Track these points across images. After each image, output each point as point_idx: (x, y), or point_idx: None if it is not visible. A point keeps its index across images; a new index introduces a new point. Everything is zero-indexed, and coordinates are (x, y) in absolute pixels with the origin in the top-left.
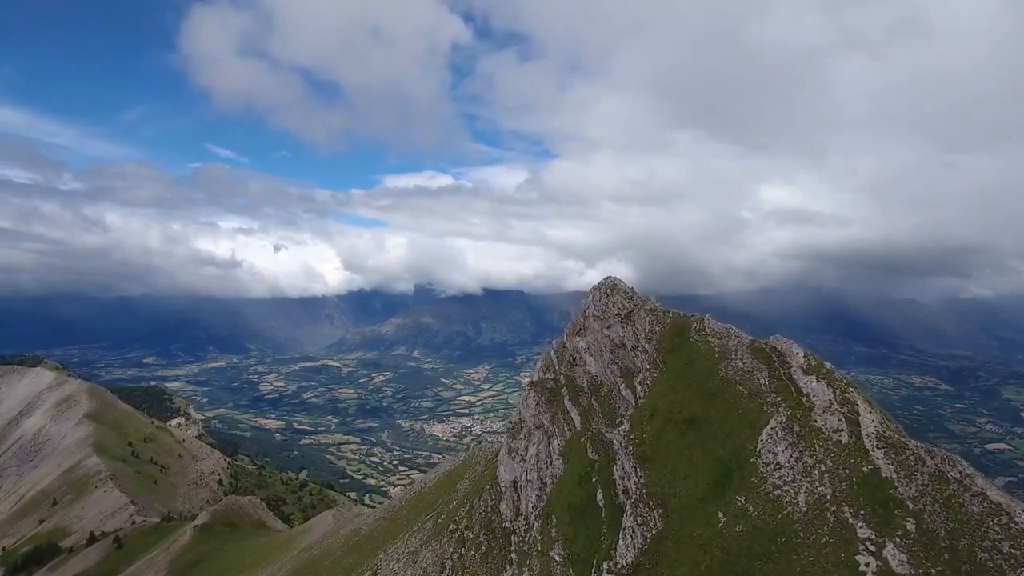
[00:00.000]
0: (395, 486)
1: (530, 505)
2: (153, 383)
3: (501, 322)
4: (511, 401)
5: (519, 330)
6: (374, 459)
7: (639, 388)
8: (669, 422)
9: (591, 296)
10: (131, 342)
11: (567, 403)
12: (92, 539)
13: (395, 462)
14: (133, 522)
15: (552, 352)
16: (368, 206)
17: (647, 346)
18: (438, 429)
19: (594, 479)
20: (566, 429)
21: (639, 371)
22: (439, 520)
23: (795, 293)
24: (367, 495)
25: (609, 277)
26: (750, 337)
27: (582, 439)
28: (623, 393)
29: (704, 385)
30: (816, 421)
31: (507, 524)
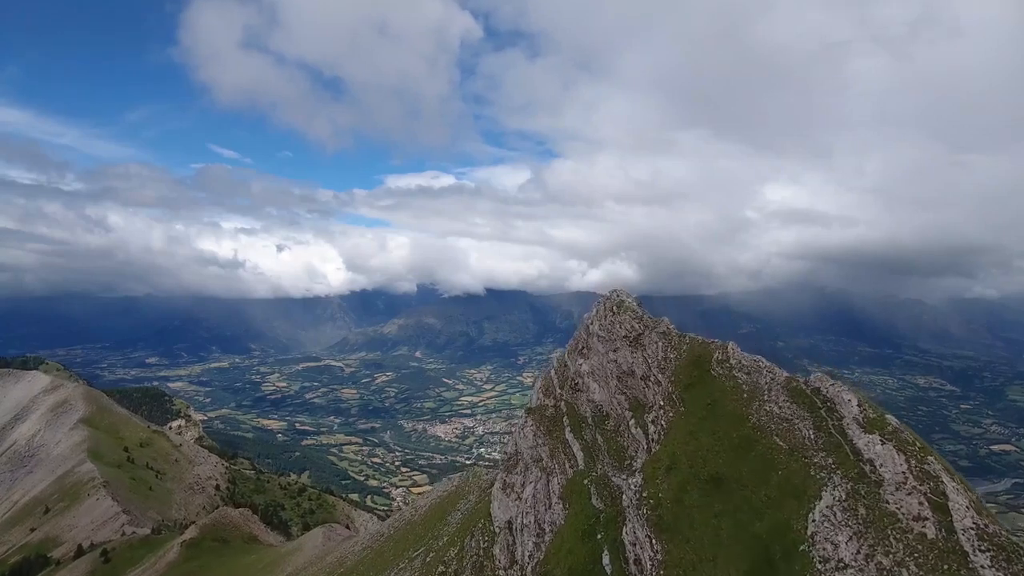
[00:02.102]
0: (397, 487)
1: (527, 554)
2: (156, 383)
3: (504, 322)
4: (513, 402)
5: (522, 330)
6: (376, 460)
7: (652, 428)
8: (691, 479)
9: (595, 311)
10: (134, 342)
11: (568, 435)
12: (80, 551)
13: (397, 463)
14: (123, 533)
15: (552, 371)
16: (371, 206)
17: (660, 377)
18: (440, 430)
19: (599, 536)
20: (567, 466)
21: (651, 406)
22: (427, 559)
23: (799, 293)
24: (369, 496)
25: (615, 291)
26: (785, 373)
27: (585, 481)
28: (632, 431)
29: (732, 433)
30: (888, 502)
31: (500, 572)
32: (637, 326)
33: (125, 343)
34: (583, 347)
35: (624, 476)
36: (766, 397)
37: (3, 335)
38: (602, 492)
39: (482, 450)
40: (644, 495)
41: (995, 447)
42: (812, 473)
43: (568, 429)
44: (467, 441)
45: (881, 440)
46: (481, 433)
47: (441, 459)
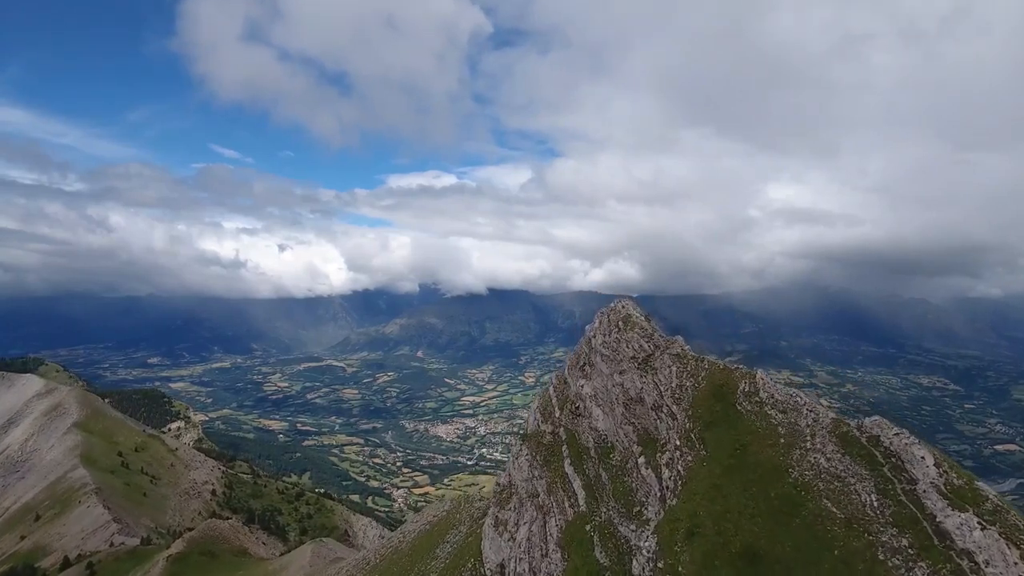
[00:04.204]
0: (398, 488)
1: None
2: (157, 384)
3: (506, 322)
4: (515, 402)
5: (524, 330)
6: (377, 461)
7: (667, 473)
8: (719, 550)
9: (598, 323)
10: (136, 342)
11: (568, 468)
12: (67, 563)
13: (398, 464)
14: (111, 544)
15: (551, 390)
16: (372, 206)
17: (674, 408)
18: (442, 430)
19: None
20: (567, 506)
21: (665, 444)
22: None
23: (802, 293)
24: (370, 497)
25: (621, 302)
26: (831, 414)
27: (587, 527)
28: (642, 471)
29: (768, 491)
30: None
31: None
32: (646, 346)
33: (127, 343)
34: (585, 363)
35: (633, 526)
36: (809, 444)
37: (5, 335)
38: (607, 543)
39: (484, 451)
40: (660, 566)
41: (999, 447)
42: (881, 558)
43: (568, 461)
44: (469, 442)
45: (980, 524)
46: (483, 433)
47: (443, 460)
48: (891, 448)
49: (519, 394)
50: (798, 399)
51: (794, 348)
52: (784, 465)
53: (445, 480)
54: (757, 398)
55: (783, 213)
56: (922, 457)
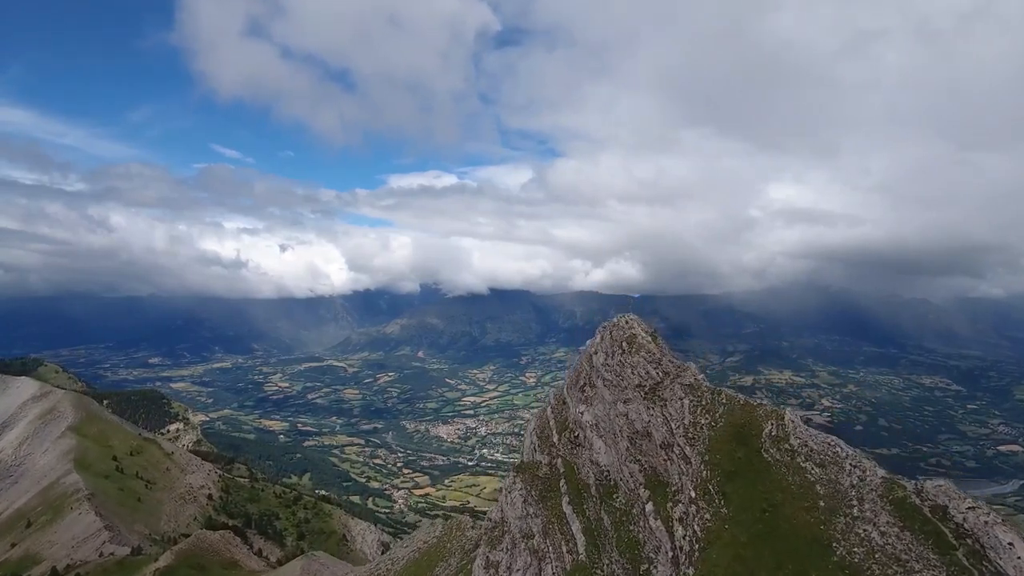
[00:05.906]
0: (399, 489)
1: None
2: (158, 384)
3: (507, 322)
4: (516, 402)
5: (525, 330)
6: (378, 461)
7: (680, 530)
8: None
9: (599, 339)
10: (137, 342)
11: (566, 507)
12: (55, 574)
13: (399, 464)
14: (101, 553)
15: (549, 411)
16: (373, 206)
17: (687, 450)
18: (443, 430)
19: None
20: (564, 551)
21: (677, 492)
22: None
23: (804, 292)
24: (370, 498)
25: (625, 318)
26: (881, 473)
27: None
28: (651, 521)
29: (808, 571)
30: None
31: None
32: (654, 372)
33: (128, 343)
34: (585, 384)
35: None
36: (856, 511)
37: (7, 335)
38: None
39: (484, 451)
40: None
41: (1002, 447)
42: None
43: (566, 499)
44: (469, 442)
45: None
46: (483, 434)
47: (443, 460)
48: (964, 525)
49: (520, 394)
50: (838, 450)
51: (795, 348)
52: (826, 537)
53: (446, 481)
54: (787, 445)
55: (784, 213)
56: (1010, 544)
